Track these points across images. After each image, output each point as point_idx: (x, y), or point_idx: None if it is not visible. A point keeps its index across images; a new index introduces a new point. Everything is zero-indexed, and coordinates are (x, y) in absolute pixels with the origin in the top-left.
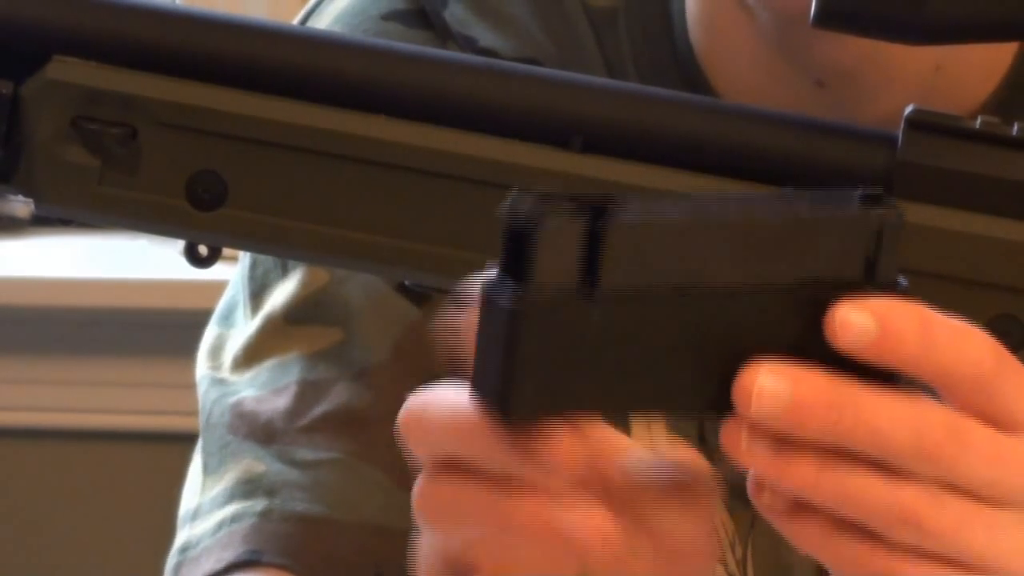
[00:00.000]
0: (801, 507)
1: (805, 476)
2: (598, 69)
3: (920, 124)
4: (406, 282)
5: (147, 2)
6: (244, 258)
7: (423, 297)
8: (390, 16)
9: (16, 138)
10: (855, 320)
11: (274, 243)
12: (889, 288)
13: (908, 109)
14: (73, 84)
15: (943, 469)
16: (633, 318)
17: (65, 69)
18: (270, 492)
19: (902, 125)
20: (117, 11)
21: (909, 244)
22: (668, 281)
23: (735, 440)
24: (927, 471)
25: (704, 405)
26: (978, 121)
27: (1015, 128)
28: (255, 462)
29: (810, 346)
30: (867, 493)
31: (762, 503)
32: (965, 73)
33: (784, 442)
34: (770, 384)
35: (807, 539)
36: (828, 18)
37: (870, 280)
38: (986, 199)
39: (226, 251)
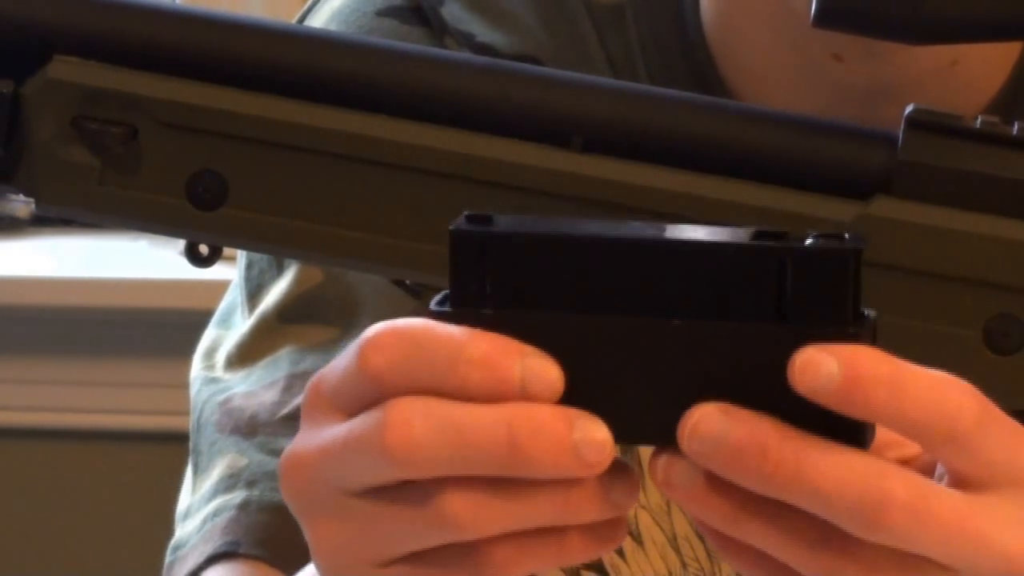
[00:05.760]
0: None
1: (722, 514)
2: (601, 67)
3: (920, 123)
4: (407, 281)
5: (147, 2)
6: (241, 259)
7: (420, 292)
8: (386, 12)
9: (17, 138)
10: (816, 365)
11: (274, 243)
12: (845, 329)
13: (908, 108)
14: (74, 83)
15: (894, 540)
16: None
17: (66, 68)
18: (250, 484)
19: (902, 124)
20: (117, 11)
21: (910, 244)
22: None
23: (654, 466)
24: (876, 539)
25: (651, 435)
26: (978, 121)
27: (1015, 128)
28: (238, 456)
29: (777, 390)
30: (794, 551)
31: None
32: (978, 68)
33: (710, 476)
34: (707, 423)
35: (734, 561)
36: (827, 18)
37: (785, 320)
38: (986, 199)
39: (226, 251)
